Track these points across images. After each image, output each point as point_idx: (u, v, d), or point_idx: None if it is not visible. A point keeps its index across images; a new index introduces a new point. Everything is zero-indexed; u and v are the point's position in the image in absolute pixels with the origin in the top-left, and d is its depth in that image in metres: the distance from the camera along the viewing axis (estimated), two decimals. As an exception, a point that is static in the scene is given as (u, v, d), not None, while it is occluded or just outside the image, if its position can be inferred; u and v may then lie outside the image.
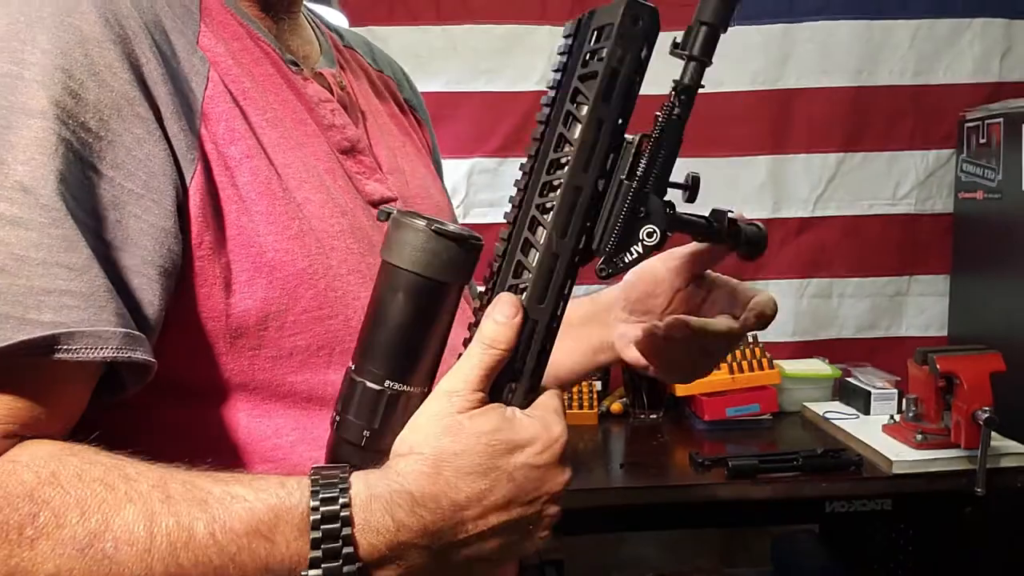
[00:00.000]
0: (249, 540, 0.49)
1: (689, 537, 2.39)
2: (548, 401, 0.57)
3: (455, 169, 2.16)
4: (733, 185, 2.23)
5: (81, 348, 0.49)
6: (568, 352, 0.80)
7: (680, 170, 0.59)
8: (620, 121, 0.55)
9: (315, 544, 0.49)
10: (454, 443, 0.52)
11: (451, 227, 0.54)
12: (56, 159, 0.50)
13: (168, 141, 0.56)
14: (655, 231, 0.56)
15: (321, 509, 0.50)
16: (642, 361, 0.75)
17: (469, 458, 0.52)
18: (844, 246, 2.28)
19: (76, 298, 0.49)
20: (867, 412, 1.90)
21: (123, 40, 0.55)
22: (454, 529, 0.52)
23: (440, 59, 2.16)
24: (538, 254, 0.55)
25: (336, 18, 1.64)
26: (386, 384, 0.54)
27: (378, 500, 0.51)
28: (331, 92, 0.73)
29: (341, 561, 0.49)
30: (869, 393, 1.92)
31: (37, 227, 0.49)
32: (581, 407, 1.95)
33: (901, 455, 1.63)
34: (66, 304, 0.49)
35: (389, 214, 0.55)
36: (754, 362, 1.92)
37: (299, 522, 0.50)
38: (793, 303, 2.28)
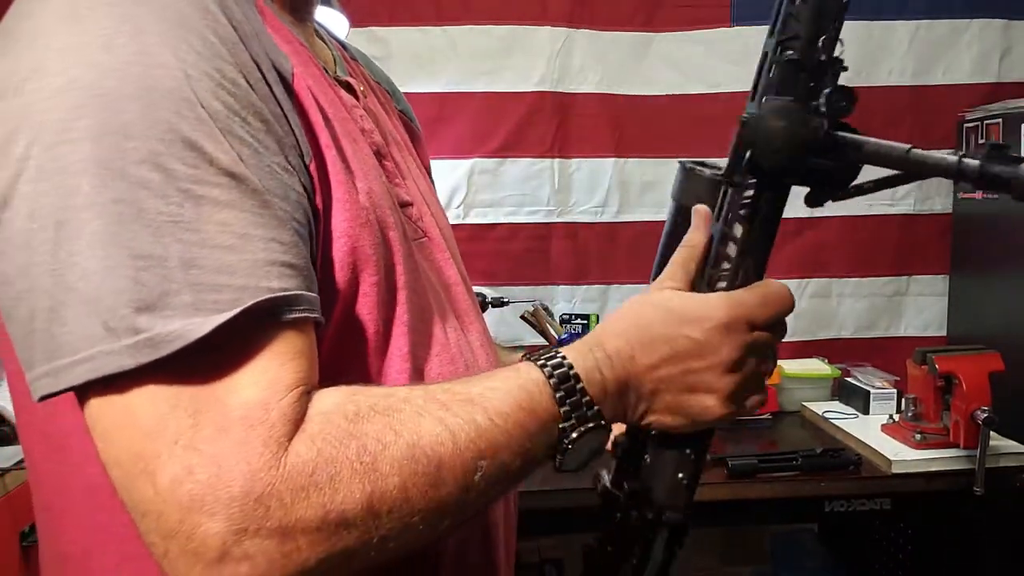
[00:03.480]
0: (519, 416, 0.58)
1: (689, 537, 2.39)
2: (759, 287, 0.70)
3: (455, 169, 2.13)
4: (733, 185, 2.22)
5: (304, 309, 0.54)
6: None
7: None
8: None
9: (561, 401, 0.59)
10: (643, 312, 0.64)
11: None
12: (242, 148, 0.53)
13: (294, 133, 0.59)
14: None
15: (555, 372, 0.60)
16: None
17: (648, 318, 0.64)
18: (843, 246, 2.29)
19: (291, 269, 0.54)
20: (866, 412, 1.91)
21: (244, 39, 0.57)
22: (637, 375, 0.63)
23: (440, 59, 2.15)
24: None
25: (336, 19, 1.65)
26: None
27: (588, 354, 0.62)
28: (356, 98, 0.75)
29: (584, 408, 0.60)
30: (868, 393, 1.92)
31: (250, 208, 0.52)
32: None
33: (900, 455, 1.63)
34: (285, 273, 0.53)
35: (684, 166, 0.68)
36: (753, 362, 1.92)
37: (543, 388, 0.59)
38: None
